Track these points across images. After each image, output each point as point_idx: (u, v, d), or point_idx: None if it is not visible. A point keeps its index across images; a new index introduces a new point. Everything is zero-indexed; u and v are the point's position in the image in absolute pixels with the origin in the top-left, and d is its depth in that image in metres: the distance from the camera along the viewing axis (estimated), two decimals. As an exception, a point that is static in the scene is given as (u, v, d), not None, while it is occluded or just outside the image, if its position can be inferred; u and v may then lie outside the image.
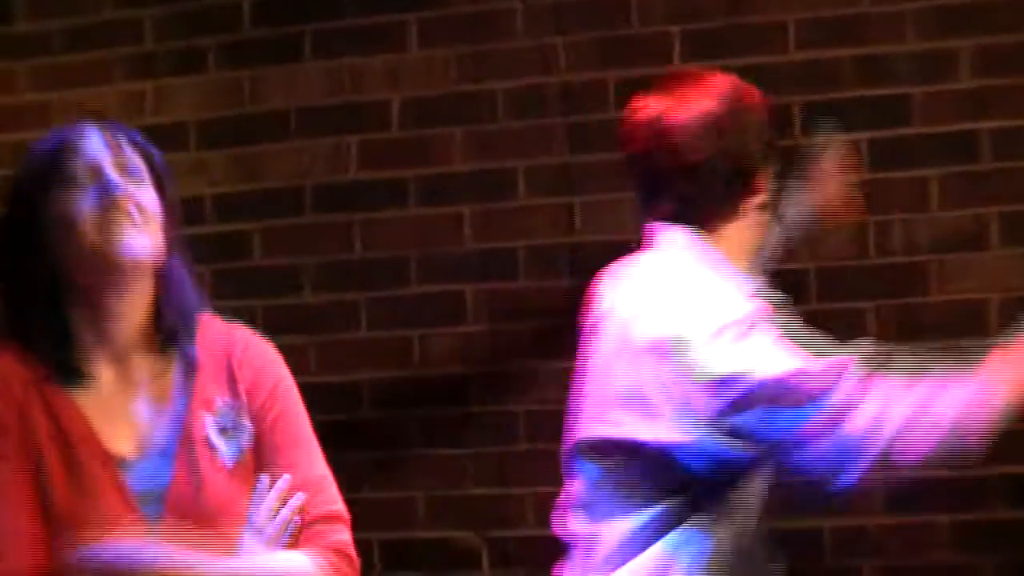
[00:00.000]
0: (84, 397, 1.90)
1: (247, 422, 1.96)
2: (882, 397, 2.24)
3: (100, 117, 2.00)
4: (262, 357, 2.04)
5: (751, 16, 3.34)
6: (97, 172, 1.88)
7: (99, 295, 1.89)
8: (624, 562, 2.36)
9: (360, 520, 3.15)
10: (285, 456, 1.98)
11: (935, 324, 3.15)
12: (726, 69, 3.16)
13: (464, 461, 3.48)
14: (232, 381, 1.99)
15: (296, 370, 3.29)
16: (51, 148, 1.93)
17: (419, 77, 3.53)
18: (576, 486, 2.48)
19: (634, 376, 2.27)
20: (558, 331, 3.24)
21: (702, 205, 2.38)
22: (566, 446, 2.53)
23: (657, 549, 2.35)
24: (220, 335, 2.03)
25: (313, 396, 3.29)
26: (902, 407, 2.24)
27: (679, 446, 2.26)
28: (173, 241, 1.95)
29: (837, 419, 2.23)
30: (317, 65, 3.58)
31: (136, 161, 1.93)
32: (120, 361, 1.92)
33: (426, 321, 3.50)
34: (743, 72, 3.14)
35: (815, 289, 3.22)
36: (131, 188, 1.88)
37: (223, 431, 1.95)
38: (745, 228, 2.40)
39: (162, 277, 1.92)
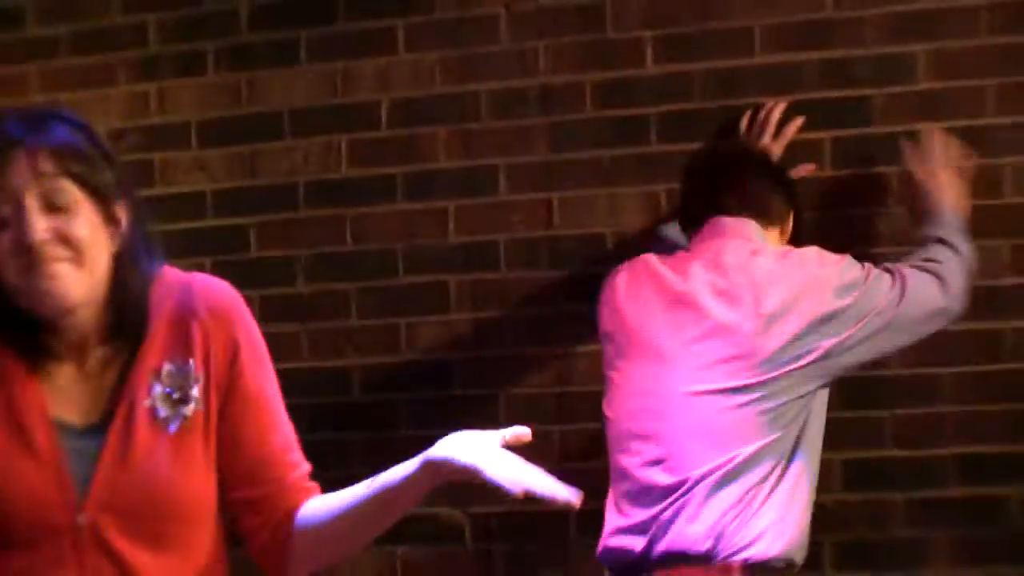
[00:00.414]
0: (44, 380, 1.81)
1: (195, 388, 1.83)
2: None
3: (34, 116, 1.83)
4: (223, 311, 1.90)
5: (719, 22, 3.32)
6: (17, 210, 1.72)
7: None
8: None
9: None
10: (261, 417, 1.90)
11: None
12: (695, 72, 3.36)
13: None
14: (187, 342, 1.85)
15: (290, 356, 3.52)
16: None
17: (407, 79, 3.52)
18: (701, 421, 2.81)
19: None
20: (537, 319, 3.49)
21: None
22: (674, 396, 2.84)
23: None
24: (176, 291, 1.89)
25: (305, 381, 3.49)
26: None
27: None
28: (130, 216, 1.83)
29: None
30: (311, 68, 3.57)
31: (64, 188, 1.74)
32: (79, 350, 1.82)
33: (413, 310, 3.50)
34: (712, 74, 3.36)
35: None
36: (57, 224, 1.73)
37: (168, 397, 1.82)
38: None
39: (117, 267, 1.81)
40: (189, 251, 3.58)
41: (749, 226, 2.95)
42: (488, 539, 3.42)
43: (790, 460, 2.81)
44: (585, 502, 3.13)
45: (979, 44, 3.18)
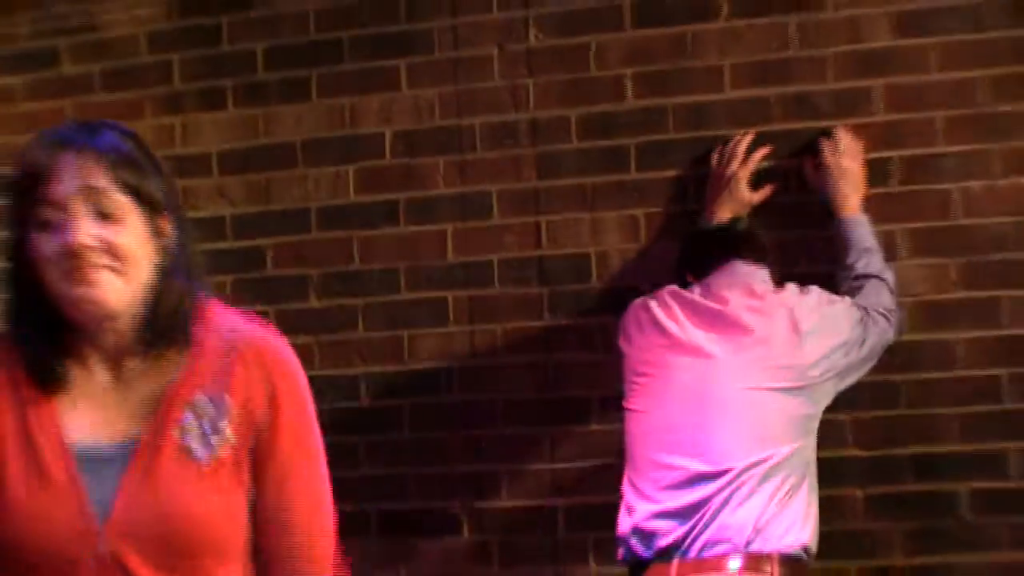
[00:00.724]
0: (69, 398, 1.68)
1: (226, 423, 1.68)
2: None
3: (86, 124, 1.73)
4: (268, 353, 1.73)
5: (693, 61, 3.39)
6: (63, 216, 1.62)
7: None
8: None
9: (360, 493, 3.37)
10: (287, 480, 1.73)
11: None
12: (671, 106, 3.43)
13: (448, 442, 3.52)
14: (226, 377, 1.69)
15: (303, 366, 3.44)
16: (26, 179, 1.65)
17: (408, 114, 3.58)
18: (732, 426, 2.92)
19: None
20: (527, 331, 3.55)
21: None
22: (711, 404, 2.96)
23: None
24: (225, 326, 1.75)
25: (318, 388, 3.38)
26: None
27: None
28: (175, 231, 1.72)
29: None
30: (321, 103, 3.63)
31: (112, 196, 1.63)
32: (114, 362, 1.70)
33: (414, 323, 3.56)
34: (685, 108, 3.42)
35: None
36: (103, 232, 1.62)
37: (199, 429, 1.68)
38: None
39: (159, 279, 1.68)
40: (211, 270, 3.54)
41: (761, 271, 3.12)
42: (483, 532, 3.51)
43: (809, 462, 2.96)
44: (572, 499, 3.27)
45: (929, 80, 3.24)
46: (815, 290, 3.06)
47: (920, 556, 3.23)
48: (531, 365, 3.53)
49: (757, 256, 3.15)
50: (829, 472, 3.18)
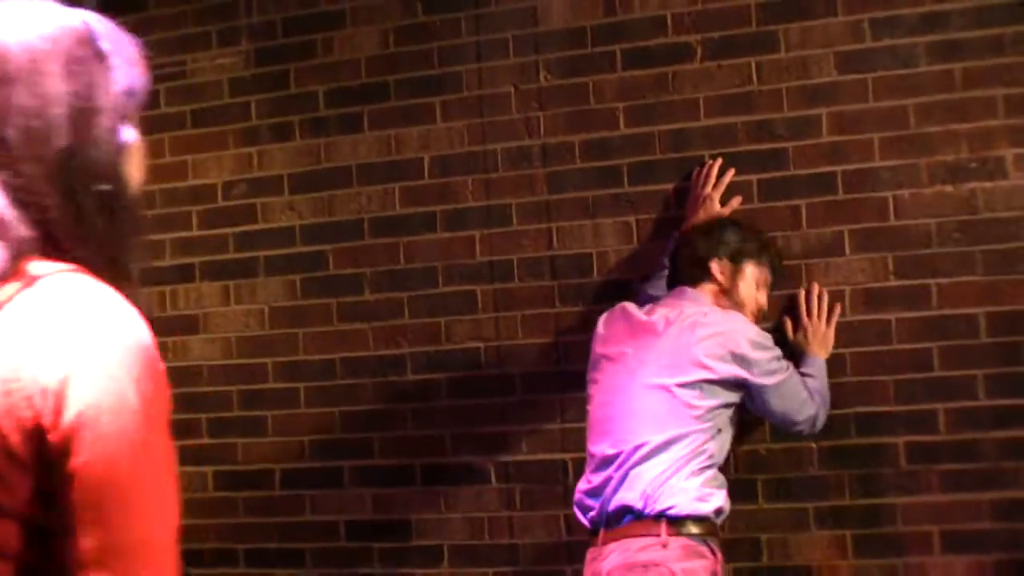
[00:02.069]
0: None
1: None
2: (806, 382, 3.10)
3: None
4: (73, 350, 1.12)
5: (673, 95, 3.43)
6: None
7: None
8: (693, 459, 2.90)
9: (404, 449, 3.65)
10: (89, 508, 1.11)
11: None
12: (656, 132, 3.47)
13: (478, 408, 3.57)
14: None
15: (359, 347, 3.76)
16: None
17: (443, 141, 3.63)
18: (642, 412, 2.88)
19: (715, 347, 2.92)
20: (542, 317, 3.60)
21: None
22: (628, 387, 2.95)
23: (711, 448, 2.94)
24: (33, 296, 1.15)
25: (371, 365, 3.73)
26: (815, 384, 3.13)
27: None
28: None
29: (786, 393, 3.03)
30: (371, 134, 3.69)
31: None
32: None
33: (450, 312, 3.61)
34: (668, 134, 3.47)
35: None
36: None
37: None
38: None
39: None
40: (283, 271, 3.77)
41: (705, 295, 3.10)
42: (508, 481, 3.56)
43: (707, 449, 2.90)
44: (579, 453, 3.29)
45: (867, 108, 3.28)
46: (741, 318, 3.03)
47: (865, 498, 3.27)
48: (544, 345, 3.57)
49: (699, 278, 3.12)
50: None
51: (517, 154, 3.57)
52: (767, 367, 2.99)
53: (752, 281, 3.14)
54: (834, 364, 3.27)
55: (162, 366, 1.18)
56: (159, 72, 3.82)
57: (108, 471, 1.11)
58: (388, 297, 3.68)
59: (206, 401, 3.87)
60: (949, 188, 3.24)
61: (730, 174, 3.35)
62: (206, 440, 3.87)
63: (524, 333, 3.58)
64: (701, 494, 2.88)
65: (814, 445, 3.31)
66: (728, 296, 3.13)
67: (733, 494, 3.05)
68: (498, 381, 3.60)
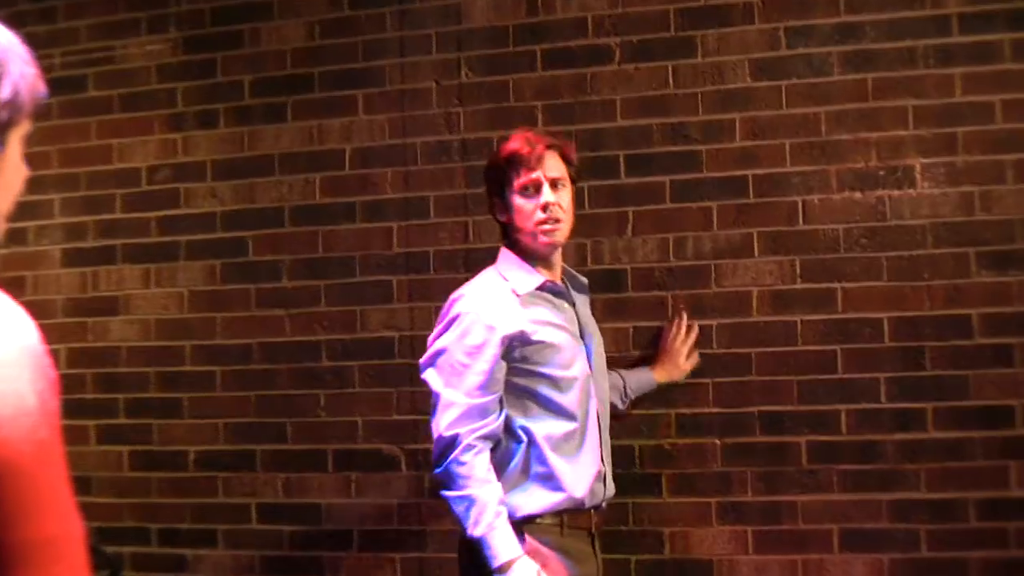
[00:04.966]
0: None
1: None
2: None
3: None
4: None
5: (591, 95, 2.98)
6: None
7: None
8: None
9: (320, 434, 3.18)
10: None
11: (715, 307, 2.85)
12: (573, 132, 3.00)
13: (390, 396, 3.09)
14: None
15: (276, 333, 3.22)
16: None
17: (364, 134, 3.15)
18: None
19: None
20: None
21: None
22: None
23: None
24: None
25: (288, 352, 3.21)
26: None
27: None
28: None
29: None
30: (294, 124, 3.19)
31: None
32: None
33: (366, 301, 3.12)
34: (582, 133, 3.01)
35: (631, 283, 2.88)
36: None
37: None
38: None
39: None
40: (203, 256, 3.26)
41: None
42: (417, 468, 3.07)
43: (513, 435, 2.25)
44: None
45: (780, 114, 2.86)
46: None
47: (767, 495, 2.85)
48: (457, 336, 3.05)
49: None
50: (693, 426, 2.89)
51: (437, 148, 3.13)
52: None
53: None
54: (740, 363, 2.88)
55: (53, 372, 0.98)
56: (88, 57, 3.39)
57: (13, 470, 0.91)
58: (306, 285, 3.21)
59: (124, 381, 3.33)
60: (858, 195, 2.84)
61: (694, 335, 2.87)
62: (123, 420, 3.32)
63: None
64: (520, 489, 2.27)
65: (718, 442, 2.89)
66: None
67: (638, 488, 2.82)
68: (411, 370, 3.09)
